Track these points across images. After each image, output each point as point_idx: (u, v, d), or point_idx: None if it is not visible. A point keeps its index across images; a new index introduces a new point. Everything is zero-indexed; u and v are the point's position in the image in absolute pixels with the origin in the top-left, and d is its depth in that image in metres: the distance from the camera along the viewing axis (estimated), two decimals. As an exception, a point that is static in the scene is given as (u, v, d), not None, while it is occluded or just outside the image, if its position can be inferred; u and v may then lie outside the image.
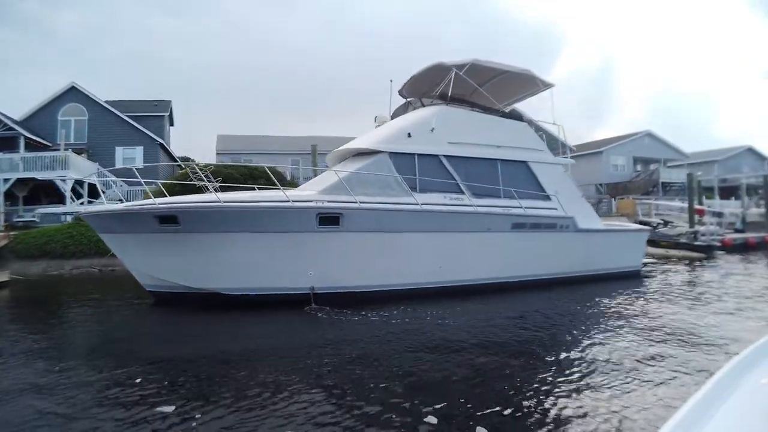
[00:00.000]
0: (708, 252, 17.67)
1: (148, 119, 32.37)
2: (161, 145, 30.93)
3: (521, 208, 10.60)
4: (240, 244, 8.41)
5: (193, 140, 78.97)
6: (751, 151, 44.37)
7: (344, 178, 9.25)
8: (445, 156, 10.33)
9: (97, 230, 9.28)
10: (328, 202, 8.87)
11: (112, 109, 30.09)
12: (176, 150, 36.48)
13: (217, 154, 34.67)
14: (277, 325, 7.99)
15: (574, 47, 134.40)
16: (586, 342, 6.41)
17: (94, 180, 23.49)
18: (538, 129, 12.78)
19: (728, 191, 35.83)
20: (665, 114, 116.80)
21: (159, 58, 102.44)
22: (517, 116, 12.20)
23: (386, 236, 9.18)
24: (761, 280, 12.20)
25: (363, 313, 8.07)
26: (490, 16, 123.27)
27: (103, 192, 11.05)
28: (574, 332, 7.18)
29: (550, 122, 12.80)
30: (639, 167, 42.49)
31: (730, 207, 27.55)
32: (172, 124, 37.88)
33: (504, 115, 11.96)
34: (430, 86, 11.92)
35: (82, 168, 23.33)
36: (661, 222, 20.76)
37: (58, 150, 23.68)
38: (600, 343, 6.27)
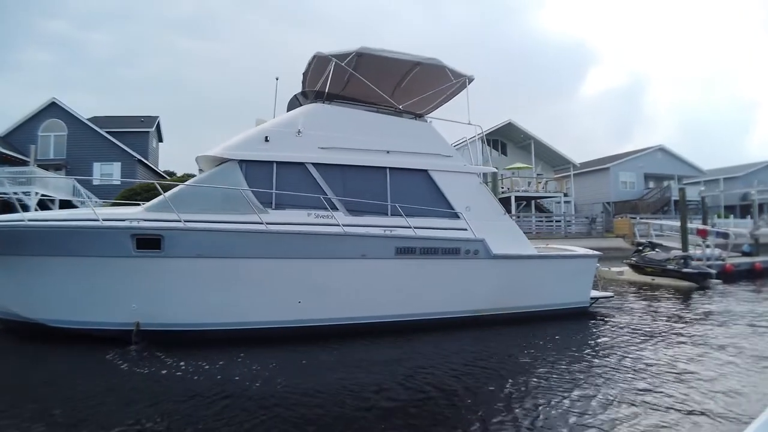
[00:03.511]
0: (700, 280, 15.08)
1: (132, 135, 32.06)
2: (140, 161, 30.27)
3: (410, 228, 8.46)
4: (56, 269, 7.16)
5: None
6: (775, 167, 41.11)
7: (175, 192, 7.76)
8: (313, 164, 8.41)
9: None
10: (146, 221, 7.33)
11: (92, 125, 29.85)
12: (171, 166, 36.00)
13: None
14: (65, 366, 6.60)
15: (602, 66, 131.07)
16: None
17: (64, 196, 23.36)
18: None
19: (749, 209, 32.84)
20: (699, 131, 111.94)
21: (183, 77, 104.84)
22: (416, 114, 10.24)
23: (223, 263, 7.37)
24: (743, 327, 9.03)
25: (181, 360, 6.35)
26: (518, 37, 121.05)
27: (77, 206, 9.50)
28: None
29: (465, 122, 10.12)
30: (651, 184, 39.79)
31: (740, 227, 24.68)
32: (161, 140, 37.43)
33: (400, 113, 9.86)
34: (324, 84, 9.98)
35: (51, 183, 22.65)
36: (647, 244, 18.11)
37: (27, 165, 23.14)
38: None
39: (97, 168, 29.55)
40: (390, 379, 5.98)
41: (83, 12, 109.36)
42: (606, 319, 9.90)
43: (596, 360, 6.93)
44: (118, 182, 28.55)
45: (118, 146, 29.55)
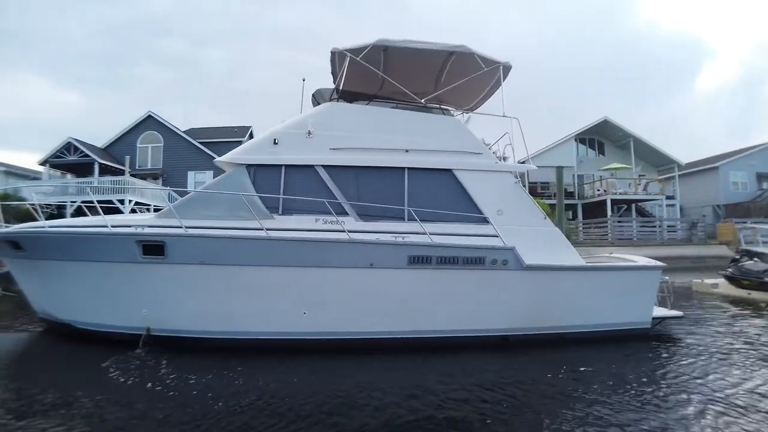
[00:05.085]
0: None
1: (225, 144, 32.57)
2: (230, 169, 30.78)
3: (426, 234, 7.53)
4: (75, 273, 7.49)
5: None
6: None
7: (184, 199, 7.89)
8: (323, 166, 7.87)
9: None
10: (150, 227, 7.34)
11: (185, 136, 30.80)
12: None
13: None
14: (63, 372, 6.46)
15: (717, 59, 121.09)
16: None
17: (160, 203, 24.22)
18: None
19: None
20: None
21: (287, 87, 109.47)
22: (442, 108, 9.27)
23: (226, 270, 7.12)
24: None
25: (181, 367, 6.24)
26: (629, 33, 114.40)
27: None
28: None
29: (500, 114, 8.92)
30: (765, 185, 35.93)
31: None
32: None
33: (424, 108, 8.92)
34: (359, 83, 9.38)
35: (146, 191, 23.94)
36: (744, 252, 15.28)
37: (123, 174, 24.07)
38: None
39: (191, 176, 30.39)
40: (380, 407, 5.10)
41: (195, 30, 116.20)
42: (672, 343, 8.16)
43: (648, 396, 5.51)
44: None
45: (211, 156, 30.11)
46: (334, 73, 9.20)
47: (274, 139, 7.93)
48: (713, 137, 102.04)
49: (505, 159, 9.07)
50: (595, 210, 30.97)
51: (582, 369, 6.60)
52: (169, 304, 7.27)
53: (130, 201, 22.28)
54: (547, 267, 7.82)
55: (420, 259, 7.36)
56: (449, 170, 8.20)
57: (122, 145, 30.33)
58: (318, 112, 8.28)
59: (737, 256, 15.41)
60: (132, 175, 27.30)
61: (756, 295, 13.08)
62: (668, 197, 33.03)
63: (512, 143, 8.78)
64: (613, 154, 34.34)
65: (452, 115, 9.25)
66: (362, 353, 7.15)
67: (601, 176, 31.99)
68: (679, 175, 34.34)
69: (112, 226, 7.33)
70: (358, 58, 8.21)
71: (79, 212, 21.06)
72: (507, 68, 8.94)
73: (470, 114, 10.14)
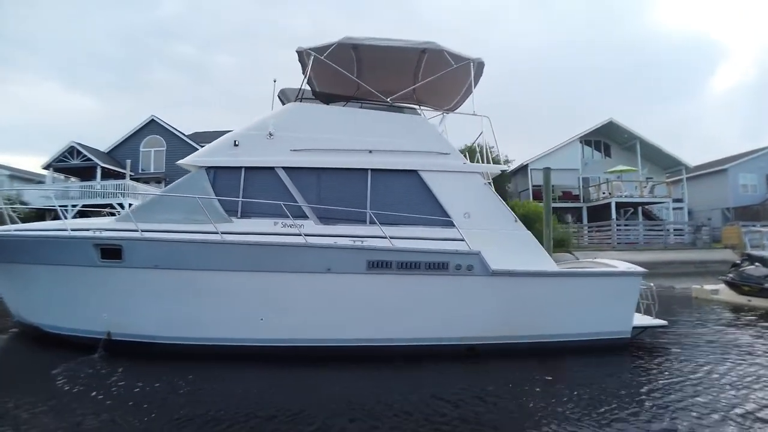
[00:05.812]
0: None
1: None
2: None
3: (386, 238, 7.24)
4: (40, 276, 7.51)
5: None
6: None
7: (144, 202, 8.03)
8: (283, 168, 7.72)
9: None
10: (107, 230, 7.30)
11: (188, 140, 30.83)
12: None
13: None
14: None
15: (731, 59, 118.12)
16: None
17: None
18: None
19: None
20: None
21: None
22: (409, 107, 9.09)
23: (181, 275, 7.01)
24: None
25: (133, 375, 6.13)
26: (638, 32, 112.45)
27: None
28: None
29: (470, 113, 8.67)
30: (777, 187, 35.10)
31: None
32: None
33: (392, 108, 8.66)
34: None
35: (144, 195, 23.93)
36: (746, 257, 14.59)
37: (124, 178, 24.32)
38: None
39: (193, 180, 30.42)
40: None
41: (206, 35, 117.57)
42: (654, 355, 7.66)
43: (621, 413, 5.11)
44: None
45: (213, 159, 30.29)
46: (305, 73, 9.13)
47: (235, 141, 7.81)
48: (726, 139, 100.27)
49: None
50: (600, 213, 30.45)
51: (551, 382, 6.29)
52: (129, 308, 7.20)
53: (130, 205, 22.43)
54: (515, 273, 7.47)
55: (379, 264, 7.12)
56: (415, 171, 7.96)
57: (126, 149, 30.61)
58: (279, 112, 8.14)
59: (738, 261, 14.95)
60: (135, 179, 27.64)
61: (756, 302, 12.53)
62: (676, 200, 32.40)
63: (486, 143, 8.63)
64: (620, 156, 33.77)
65: (420, 115, 9.03)
66: (322, 361, 6.96)
67: (607, 179, 31.45)
68: (687, 178, 33.64)
69: (72, 230, 7.31)
70: (322, 57, 8.08)
71: (82, 216, 21.40)
72: (479, 64, 8.67)
73: (445, 114, 9.94)
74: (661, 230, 28.38)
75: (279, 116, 8.02)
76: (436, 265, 7.24)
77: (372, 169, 7.88)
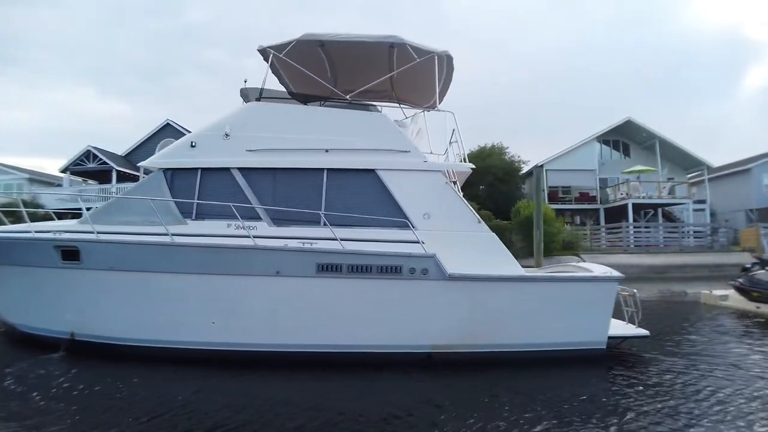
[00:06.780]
0: None
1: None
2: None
3: (336, 240, 7.02)
4: (10, 277, 7.70)
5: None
6: None
7: (104, 204, 8.26)
8: (238, 169, 7.58)
9: None
10: (66, 232, 7.43)
11: (202, 142, 31.20)
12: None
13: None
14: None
15: (763, 57, 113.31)
16: None
17: None
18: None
19: None
20: None
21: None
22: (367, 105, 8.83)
23: (134, 277, 7.04)
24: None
25: (82, 377, 6.16)
26: (671, 31, 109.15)
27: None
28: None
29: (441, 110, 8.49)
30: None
31: None
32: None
33: (351, 106, 8.45)
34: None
35: None
36: (758, 261, 13.88)
37: (138, 181, 24.75)
38: None
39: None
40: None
41: (235, 40, 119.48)
42: (632, 368, 7.09)
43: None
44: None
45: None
46: (275, 72, 9.09)
47: (192, 142, 7.77)
48: (759, 138, 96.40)
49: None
50: (619, 215, 29.56)
51: (503, 394, 5.90)
52: (89, 309, 7.29)
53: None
54: (474, 277, 7.13)
55: (329, 267, 6.95)
56: (372, 170, 7.72)
57: (142, 152, 31.20)
58: (237, 112, 8.05)
59: (748, 265, 14.23)
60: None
61: (765, 308, 11.77)
62: (697, 201, 31.26)
63: (455, 140, 8.42)
64: (638, 156, 32.76)
65: (379, 111, 8.80)
66: (272, 366, 6.87)
67: (626, 179, 30.53)
68: (709, 179, 32.48)
69: (36, 231, 7.47)
70: (281, 55, 8.02)
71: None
72: (447, 58, 8.39)
73: (422, 113, 9.71)
74: (677, 232, 27.44)
75: (236, 116, 7.93)
76: (389, 269, 7.01)
77: (328, 169, 7.69)
